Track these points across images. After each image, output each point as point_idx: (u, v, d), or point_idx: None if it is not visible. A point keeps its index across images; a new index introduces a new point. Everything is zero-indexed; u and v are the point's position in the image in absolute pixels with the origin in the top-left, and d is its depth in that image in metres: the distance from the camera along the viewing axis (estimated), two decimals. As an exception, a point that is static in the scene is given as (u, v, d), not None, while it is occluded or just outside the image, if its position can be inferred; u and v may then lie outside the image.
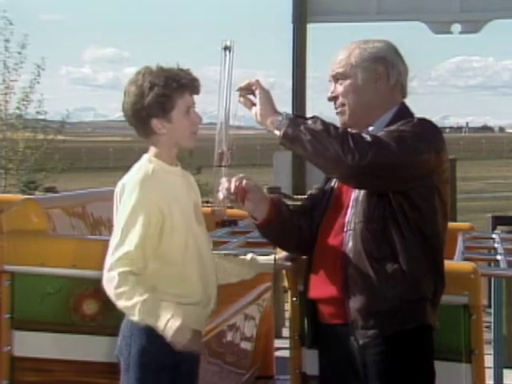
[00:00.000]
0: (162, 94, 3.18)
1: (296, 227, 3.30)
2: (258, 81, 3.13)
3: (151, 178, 3.19)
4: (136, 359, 3.16)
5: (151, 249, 3.16)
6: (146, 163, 3.25)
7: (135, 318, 3.08)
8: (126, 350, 3.19)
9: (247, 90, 3.14)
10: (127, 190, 3.18)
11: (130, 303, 3.06)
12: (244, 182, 3.17)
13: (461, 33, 13.89)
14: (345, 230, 3.11)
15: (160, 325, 3.06)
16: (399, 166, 3.01)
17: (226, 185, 3.17)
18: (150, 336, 3.15)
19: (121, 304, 3.09)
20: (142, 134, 3.27)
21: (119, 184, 3.22)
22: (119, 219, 3.17)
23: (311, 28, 13.72)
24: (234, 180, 3.16)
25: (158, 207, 3.16)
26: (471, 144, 69.55)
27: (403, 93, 3.26)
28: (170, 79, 3.19)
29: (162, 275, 3.19)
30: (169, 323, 3.05)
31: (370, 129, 3.16)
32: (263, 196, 3.27)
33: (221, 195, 3.18)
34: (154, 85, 3.18)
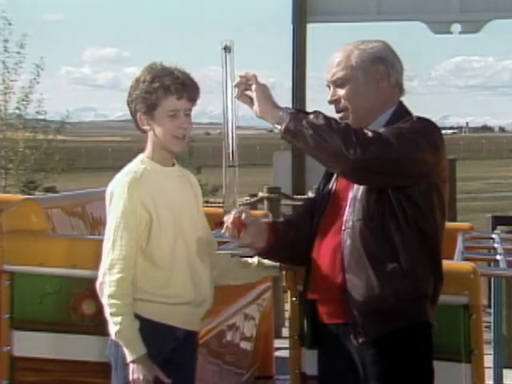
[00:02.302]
0: (146, 91, 3.22)
1: (299, 242, 3.28)
2: (255, 75, 3.12)
3: (139, 180, 3.21)
4: (124, 359, 3.19)
5: (140, 250, 3.20)
6: (138, 164, 3.29)
7: (112, 331, 3.17)
8: (115, 350, 3.23)
9: (244, 84, 3.13)
10: (116, 193, 3.21)
11: (115, 319, 3.15)
12: (243, 215, 3.16)
13: (461, 33, 13.90)
14: (343, 228, 3.11)
15: (127, 355, 3.15)
16: (400, 161, 3.01)
17: (229, 219, 3.16)
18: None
19: (108, 312, 3.18)
20: (136, 127, 3.32)
21: (110, 186, 3.27)
22: (110, 224, 3.22)
23: (311, 28, 13.73)
24: (233, 213, 3.16)
25: (145, 209, 3.20)
26: (471, 144, 69.53)
27: (401, 91, 3.26)
28: (157, 78, 3.21)
29: (150, 276, 3.22)
30: (135, 362, 3.14)
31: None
32: (262, 227, 3.25)
33: (224, 229, 3.19)
34: (144, 80, 3.23)
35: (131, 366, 3.15)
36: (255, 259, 3.52)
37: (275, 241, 3.27)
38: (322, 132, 2.97)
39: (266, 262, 3.53)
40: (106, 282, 3.16)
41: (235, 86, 3.13)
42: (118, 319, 3.14)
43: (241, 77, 3.13)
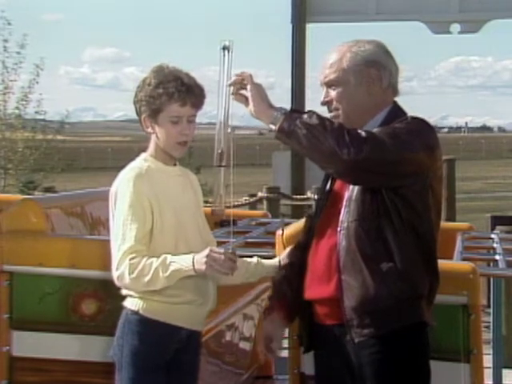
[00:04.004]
0: (150, 96, 3.23)
1: None
2: (250, 75, 3.11)
3: (143, 177, 3.22)
4: (128, 359, 3.19)
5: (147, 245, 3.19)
6: (141, 162, 3.30)
7: (164, 283, 3.13)
8: (119, 351, 3.22)
9: (239, 84, 3.13)
10: (121, 189, 3.21)
11: (149, 276, 3.11)
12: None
13: (460, 33, 13.93)
14: (338, 229, 3.10)
15: (188, 267, 3.11)
16: (394, 162, 3.00)
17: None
18: (142, 336, 3.19)
19: (142, 284, 3.14)
20: (141, 127, 3.32)
21: (114, 184, 3.27)
22: (117, 219, 3.20)
23: (310, 28, 13.75)
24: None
25: (150, 205, 3.20)
26: (471, 144, 69.54)
27: (395, 92, 3.24)
28: (162, 84, 3.21)
29: None
30: (195, 259, 3.11)
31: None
32: (280, 325, 3.35)
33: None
34: (150, 83, 3.24)
35: (196, 262, 3.12)
36: (254, 259, 3.52)
37: (293, 302, 3.29)
38: (316, 132, 2.96)
39: (265, 261, 3.53)
40: (123, 269, 3.12)
41: (230, 84, 3.13)
42: (150, 275, 3.11)
43: (236, 76, 3.13)
